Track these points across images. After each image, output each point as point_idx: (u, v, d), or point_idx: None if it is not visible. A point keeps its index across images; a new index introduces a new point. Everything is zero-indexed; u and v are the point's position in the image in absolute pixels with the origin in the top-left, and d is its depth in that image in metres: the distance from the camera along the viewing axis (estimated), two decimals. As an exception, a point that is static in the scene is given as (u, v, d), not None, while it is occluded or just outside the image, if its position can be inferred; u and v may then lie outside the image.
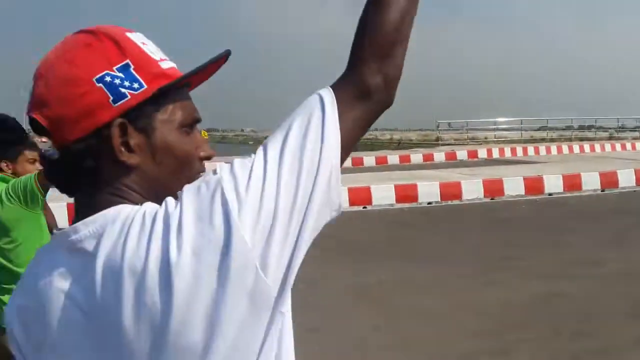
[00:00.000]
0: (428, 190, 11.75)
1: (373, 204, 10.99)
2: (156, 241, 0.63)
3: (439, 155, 24.42)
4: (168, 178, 0.74)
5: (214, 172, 0.67)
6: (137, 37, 0.74)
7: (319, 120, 0.69)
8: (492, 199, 11.81)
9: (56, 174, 0.74)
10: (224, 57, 0.77)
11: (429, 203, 11.50)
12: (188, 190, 0.66)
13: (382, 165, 20.76)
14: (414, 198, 11.51)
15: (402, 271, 6.29)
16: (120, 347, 0.65)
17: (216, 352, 0.64)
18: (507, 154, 25.23)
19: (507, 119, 34.75)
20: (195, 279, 0.62)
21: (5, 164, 2.49)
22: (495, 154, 25.10)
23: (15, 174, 2.49)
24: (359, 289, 5.61)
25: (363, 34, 0.74)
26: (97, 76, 0.69)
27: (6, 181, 2.44)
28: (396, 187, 11.46)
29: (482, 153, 25.22)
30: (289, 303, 0.70)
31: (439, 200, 11.65)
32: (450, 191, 11.89)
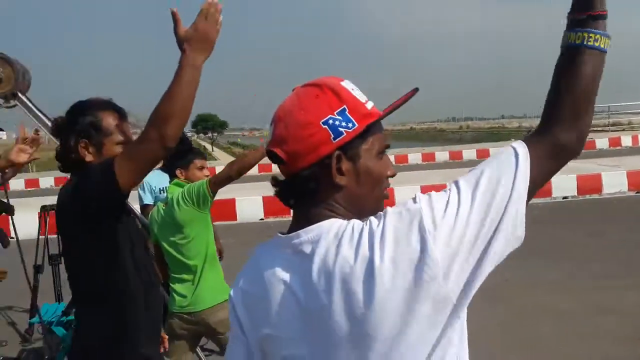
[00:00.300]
0: (563, 184, 11.07)
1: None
2: (363, 250, 0.86)
3: (575, 145, 22.69)
4: (366, 195, 0.96)
5: (414, 200, 0.88)
6: (348, 85, 0.96)
7: (512, 171, 0.86)
8: (637, 193, 10.85)
9: (285, 192, 0.99)
10: (413, 92, 1.00)
11: (565, 198, 10.87)
12: (391, 213, 0.88)
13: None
14: (547, 192, 10.90)
15: (531, 269, 6.13)
16: (325, 330, 0.89)
17: (402, 341, 0.85)
18: (658, 140, 22.68)
19: (657, 101, 30.68)
20: (392, 282, 0.84)
21: (179, 172, 3.00)
22: (643, 141, 22.70)
23: (188, 179, 2.99)
24: (484, 289, 5.59)
25: (558, 98, 0.90)
26: (323, 120, 0.92)
27: (181, 186, 2.94)
28: (527, 180, 11.04)
29: (627, 141, 22.95)
30: (465, 311, 0.90)
31: (576, 194, 10.97)
32: (589, 184, 11.11)
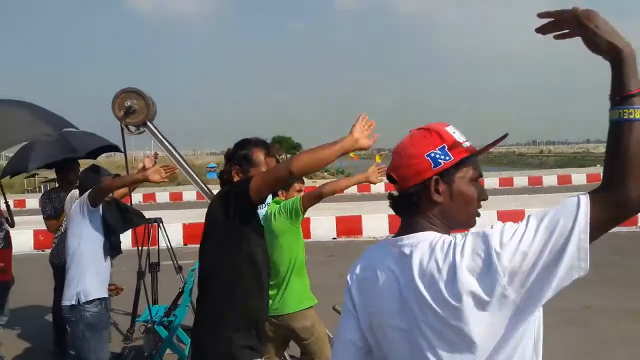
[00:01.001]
0: (650, 213, 10.56)
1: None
2: (449, 258, 1.15)
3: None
4: (458, 212, 1.25)
5: (491, 227, 1.16)
6: (450, 129, 1.28)
7: (573, 213, 1.07)
8: None
9: (396, 204, 1.32)
10: (503, 137, 1.32)
11: (650, 227, 10.38)
12: (471, 233, 1.17)
13: (594, 182, 19.01)
14: (633, 221, 10.49)
15: (613, 298, 6.01)
16: (417, 312, 1.18)
17: (475, 333, 1.11)
18: None
19: None
20: (467, 283, 1.11)
21: (281, 192, 3.42)
22: None
23: (287, 199, 3.40)
24: (563, 314, 5.57)
25: (610, 162, 1.11)
26: (427, 153, 1.24)
27: (278, 203, 3.35)
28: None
29: None
30: (539, 312, 1.15)
31: (662, 223, 10.43)
32: (679, 214, 10.49)
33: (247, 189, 2.01)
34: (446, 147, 1.25)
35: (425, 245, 1.20)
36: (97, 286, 3.38)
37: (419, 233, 1.24)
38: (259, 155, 2.31)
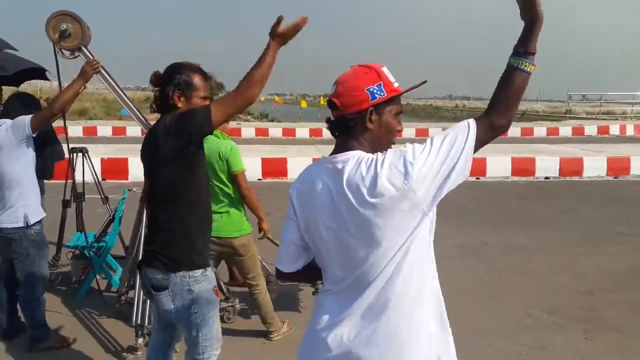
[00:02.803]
0: (546, 165, 11.70)
1: (487, 175, 11.22)
2: (371, 169, 1.44)
3: (565, 130, 23.25)
4: (382, 138, 1.55)
5: (405, 146, 1.46)
6: (385, 70, 1.55)
7: (465, 134, 1.43)
8: (615, 178, 11.52)
9: (333, 128, 1.58)
10: (423, 83, 1.63)
11: (547, 178, 11.51)
12: (389, 151, 1.47)
13: (500, 137, 20.43)
14: (531, 172, 11.58)
15: (507, 236, 6.80)
16: (345, 214, 1.46)
17: (389, 224, 1.41)
18: (644, 131, 23.31)
19: (650, 93, 30.95)
20: (386, 188, 1.40)
21: None
22: (630, 131, 23.31)
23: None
24: (465, 249, 6.24)
25: (497, 96, 1.47)
26: (366, 87, 1.50)
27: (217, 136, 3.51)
28: (513, 159, 11.57)
29: (615, 129, 23.56)
30: (434, 211, 1.47)
31: (557, 175, 11.61)
32: (571, 167, 11.71)
33: (209, 119, 2.10)
34: (382, 85, 1.52)
35: (354, 161, 1.49)
36: (39, 208, 3.58)
37: (349, 152, 1.52)
38: (198, 80, 2.32)
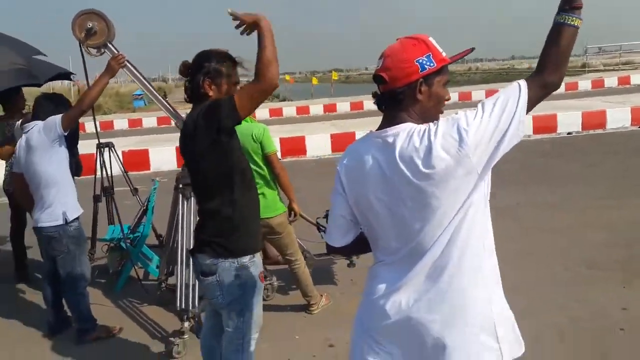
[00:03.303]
0: (569, 120, 11.50)
1: (509, 134, 11.05)
2: (424, 140, 1.42)
3: (585, 84, 22.75)
4: (432, 109, 1.53)
5: (456, 113, 1.44)
6: (433, 40, 1.52)
7: (516, 96, 1.41)
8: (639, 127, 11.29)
9: (380, 101, 1.57)
10: (469, 50, 1.61)
11: (569, 133, 11.32)
12: (442, 120, 1.45)
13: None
14: (554, 128, 11.41)
15: (537, 194, 6.74)
16: (399, 187, 1.46)
17: (445, 190, 1.40)
18: (666, 78, 22.69)
19: (670, 38, 29.78)
20: (441, 157, 1.39)
21: None
22: (651, 79, 22.72)
23: None
24: (497, 210, 6.19)
25: (547, 54, 1.45)
26: (416, 59, 1.48)
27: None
28: (534, 117, 11.37)
29: (636, 79, 22.96)
30: (489, 176, 1.45)
31: (580, 130, 11.42)
32: (593, 120, 11.51)
33: (234, 109, 2.07)
34: (431, 55, 1.50)
35: (405, 134, 1.47)
36: (77, 205, 3.65)
37: (400, 124, 1.50)
38: (228, 67, 2.30)
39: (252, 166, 3.48)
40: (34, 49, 4.81)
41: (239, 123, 2.17)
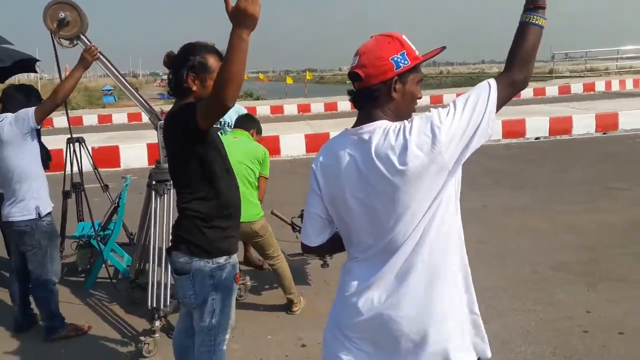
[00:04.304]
0: (536, 125, 11.76)
1: (478, 138, 11.23)
2: (400, 137, 1.45)
3: (552, 90, 23.30)
4: (405, 107, 1.56)
5: (430, 110, 1.47)
6: (406, 38, 1.55)
7: (486, 94, 1.45)
8: (604, 134, 11.63)
9: (356, 99, 1.58)
10: (441, 49, 1.63)
11: (537, 138, 11.59)
12: (416, 117, 1.48)
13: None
14: (522, 133, 11.65)
15: (506, 197, 6.89)
16: (374, 183, 1.48)
17: (419, 187, 1.43)
18: (629, 86, 23.45)
19: (633, 47, 30.83)
20: (415, 154, 1.42)
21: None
22: (615, 87, 23.42)
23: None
24: (465, 212, 6.30)
25: (514, 53, 1.50)
26: (391, 56, 1.50)
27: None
28: (503, 122, 11.59)
29: (600, 86, 23.63)
30: (459, 173, 1.49)
31: (547, 135, 11.70)
32: (560, 126, 11.80)
33: (195, 122, 2.04)
34: (405, 53, 1.52)
35: (380, 131, 1.49)
36: (48, 199, 3.58)
37: (375, 122, 1.52)
38: (214, 61, 2.22)
39: (243, 172, 3.66)
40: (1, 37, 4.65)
41: (198, 133, 2.11)
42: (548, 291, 4.10)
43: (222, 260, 2.31)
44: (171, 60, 2.29)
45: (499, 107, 1.47)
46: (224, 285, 2.33)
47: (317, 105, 21.77)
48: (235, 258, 2.42)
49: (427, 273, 1.50)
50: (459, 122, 1.43)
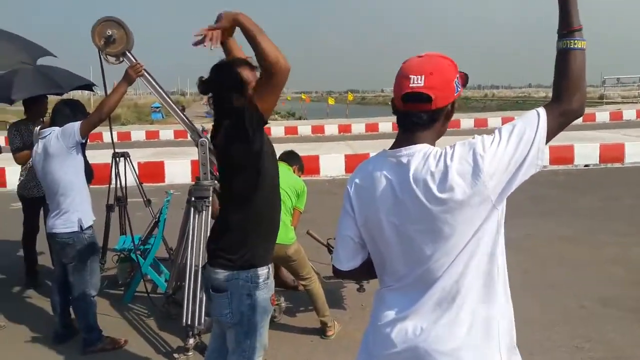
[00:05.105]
0: (586, 152, 11.37)
1: (525, 164, 10.91)
2: (440, 163, 1.40)
3: (603, 115, 22.57)
4: (444, 130, 1.52)
5: (473, 137, 1.41)
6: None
7: (535, 124, 1.37)
8: (659, 163, 11.11)
9: (406, 121, 1.50)
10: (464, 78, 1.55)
11: (586, 165, 11.19)
12: (458, 144, 1.41)
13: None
14: (570, 160, 11.29)
15: (551, 226, 6.63)
16: (411, 209, 1.42)
17: (459, 217, 1.37)
18: (686, 113, 22.44)
19: (690, 73, 29.47)
20: (456, 182, 1.36)
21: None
22: (671, 114, 22.48)
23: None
24: (509, 241, 6.09)
25: (560, 81, 1.41)
26: (454, 80, 1.46)
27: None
28: (551, 147, 11.24)
29: (655, 113, 22.75)
30: (504, 205, 1.41)
31: (597, 162, 11.28)
32: (611, 153, 11.36)
33: (257, 112, 2.09)
34: (458, 78, 1.48)
35: (420, 155, 1.44)
36: (91, 212, 3.67)
37: (415, 145, 1.46)
38: (248, 73, 2.24)
39: (281, 196, 3.64)
40: (43, 49, 4.85)
41: (265, 122, 2.17)
42: (597, 328, 3.88)
43: (260, 280, 2.30)
44: (206, 86, 2.30)
45: (549, 138, 1.38)
46: (260, 306, 2.31)
47: (358, 126, 21.79)
48: (272, 279, 2.39)
49: (466, 307, 1.42)
50: (504, 152, 1.36)
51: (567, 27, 1.42)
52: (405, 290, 1.50)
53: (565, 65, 1.41)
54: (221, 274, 2.29)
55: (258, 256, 2.31)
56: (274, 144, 2.36)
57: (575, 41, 1.41)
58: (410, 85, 1.44)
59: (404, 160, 1.46)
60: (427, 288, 1.44)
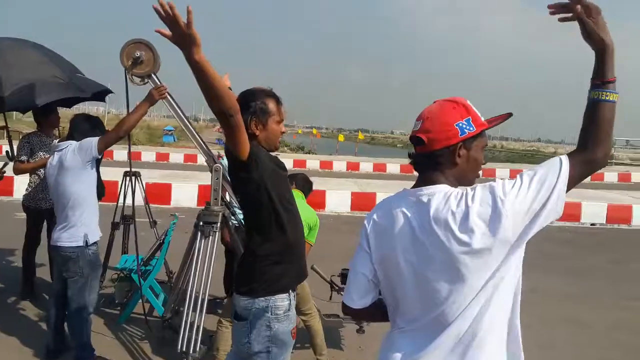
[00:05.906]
0: (593, 211, 11.33)
1: (531, 218, 10.87)
2: (461, 205, 1.39)
3: (611, 176, 22.57)
4: (469, 172, 1.51)
5: (495, 181, 1.40)
6: (470, 103, 1.51)
7: (557, 171, 1.36)
8: (666, 228, 11.03)
9: (417, 162, 1.54)
10: (507, 115, 1.58)
11: (593, 224, 11.13)
12: (479, 186, 1.41)
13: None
14: (577, 217, 11.24)
15: (557, 284, 6.53)
16: (429, 250, 1.41)
17: (478, 260, 1.35)
18: (695, 180, 22.40)
19: (700, 141, 29.60)
20: (477, 225, 1.35)
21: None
22: (679, 180, 22.46)
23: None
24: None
25: (588, 131, 1.40)
26: (456, 122, 1.47)
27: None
28: (558, 203, 11.22)
29: (663, 177, 22.75)
30: (523, 249, 1.40)
31: (604, 222, 11.22)
32: (619, 214, 11.32)
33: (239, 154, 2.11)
34: (471, 120, 1.48)
35: (441, 195, 1.44)
36: (97, 229, 3.66)
37: (435, 185, 1.47)
38: (273, 105, 2.29)
39: None
40: (75, 67, 4.93)
41: (243, 163, 2.14)
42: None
43: (280, 312, 2.26)
44: None
45: (571, 186, 1.38)
46: (280, 338, 2.27)
47: (366, 165, 21.90)
48: (294, 312, 2.35)
49: (480, 354, 1.39)
50: (525, 197, 1.35)
51: (601, 77, 1.41)
52: (417, 333, 1.47)
53: (595, 116, 1.40)
54: (242, 301, 2.26)
55: (277, 282, 2.27)
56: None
57: (608, 93, 1.40)
58: (413, 129, 1.54)
59: (424, 199, 1.46)
60: (441, 331, 1.42)
